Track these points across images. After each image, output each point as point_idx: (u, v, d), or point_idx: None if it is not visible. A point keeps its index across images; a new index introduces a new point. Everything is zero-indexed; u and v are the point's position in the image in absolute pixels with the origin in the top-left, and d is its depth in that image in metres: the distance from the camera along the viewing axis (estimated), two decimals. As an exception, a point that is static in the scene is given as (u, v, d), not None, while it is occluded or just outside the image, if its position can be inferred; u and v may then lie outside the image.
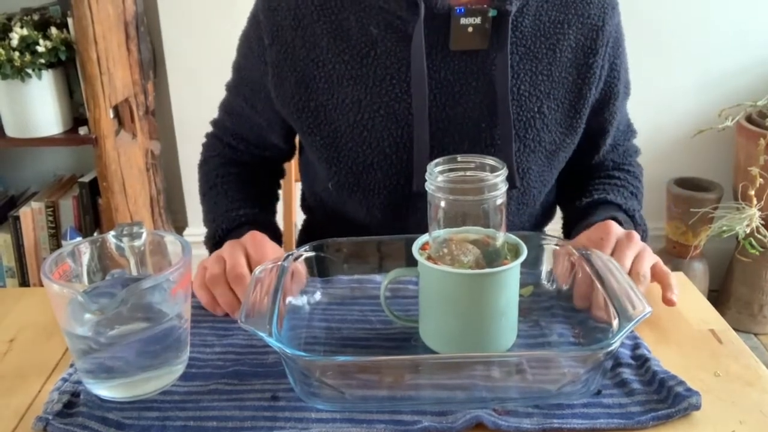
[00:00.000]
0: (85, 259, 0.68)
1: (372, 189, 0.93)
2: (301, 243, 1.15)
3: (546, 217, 1.09)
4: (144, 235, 0.69)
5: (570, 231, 1.00)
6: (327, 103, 0.90)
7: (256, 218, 0.96)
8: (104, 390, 0.64)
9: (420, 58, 0.85)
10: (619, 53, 0.96)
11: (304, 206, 1.15)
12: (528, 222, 1.02)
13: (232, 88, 1.02)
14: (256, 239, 0.84)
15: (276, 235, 0.95)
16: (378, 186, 0.92)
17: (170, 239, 0.69)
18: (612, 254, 0.79)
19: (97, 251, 0.69)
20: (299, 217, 1.38)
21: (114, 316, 0.61)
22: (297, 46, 0.90)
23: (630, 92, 1.02)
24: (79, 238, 1.97)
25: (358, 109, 0.89)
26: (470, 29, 0.85)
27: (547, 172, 0.96)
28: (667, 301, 0.75)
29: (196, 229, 1.95)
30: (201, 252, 0.91)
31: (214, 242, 0.96)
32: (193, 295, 0.78)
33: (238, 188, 1.02)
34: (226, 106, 1.05)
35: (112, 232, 0.68)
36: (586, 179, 1.04)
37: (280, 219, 1.38)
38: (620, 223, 0.88)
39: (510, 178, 0.91)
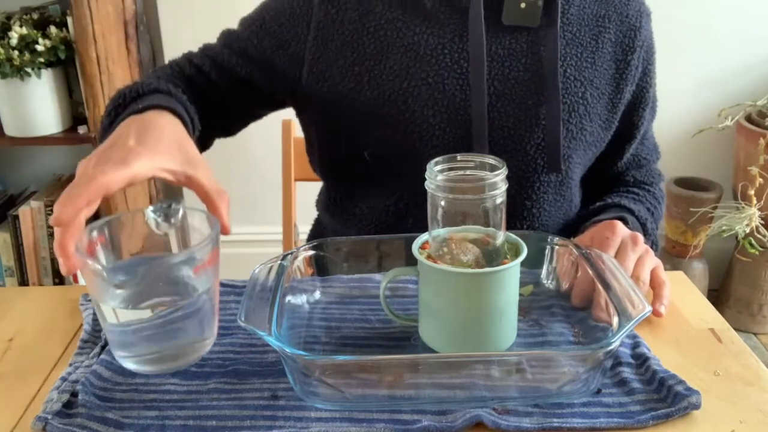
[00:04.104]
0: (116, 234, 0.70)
1: (408, 158, 0.91)
2: (313, 238, 1.11)
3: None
4: (180, 212, 0.68)
5: (576, 230, 0.99)
6: (373, 69, 0.90)
7: (175, 97, 0.82)
8: (133, 363, 0.66)
9: (479, 29, 0.87)
10: (652, 62, 0.98)
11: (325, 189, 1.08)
12: (562, 219, 0.99)
13: (244, 31, 0.96)
14: (156, 123, 0.71)
15: (186, 123, 0.80)
16: (415, 155, 0.90)
17: (199, 216, 0.68)
18: (615, 254, 0.79)
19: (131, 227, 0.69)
20: (299, 218, 1.39)
21: (136, 293, 0.63)
22: (350, 8, 0.90)
23: (656, 113, 1.04)
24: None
25: (405, 77, 0.89)
26: (523, 5, 0.88)
27: (580, 166, 0.96)
28: (655, 312, 0.75)
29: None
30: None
31: (114, 111, 0.82)
32: None
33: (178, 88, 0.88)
34: (227, 37, 0.98)
35: (151, 208, 0.68)
36: (605, 192, 1.03)
37: (279, 219, 1.39)
38: (627, 224, 0.88)
39: (555, 162, 0.92)
